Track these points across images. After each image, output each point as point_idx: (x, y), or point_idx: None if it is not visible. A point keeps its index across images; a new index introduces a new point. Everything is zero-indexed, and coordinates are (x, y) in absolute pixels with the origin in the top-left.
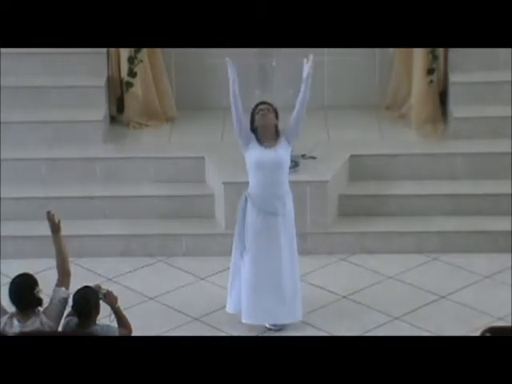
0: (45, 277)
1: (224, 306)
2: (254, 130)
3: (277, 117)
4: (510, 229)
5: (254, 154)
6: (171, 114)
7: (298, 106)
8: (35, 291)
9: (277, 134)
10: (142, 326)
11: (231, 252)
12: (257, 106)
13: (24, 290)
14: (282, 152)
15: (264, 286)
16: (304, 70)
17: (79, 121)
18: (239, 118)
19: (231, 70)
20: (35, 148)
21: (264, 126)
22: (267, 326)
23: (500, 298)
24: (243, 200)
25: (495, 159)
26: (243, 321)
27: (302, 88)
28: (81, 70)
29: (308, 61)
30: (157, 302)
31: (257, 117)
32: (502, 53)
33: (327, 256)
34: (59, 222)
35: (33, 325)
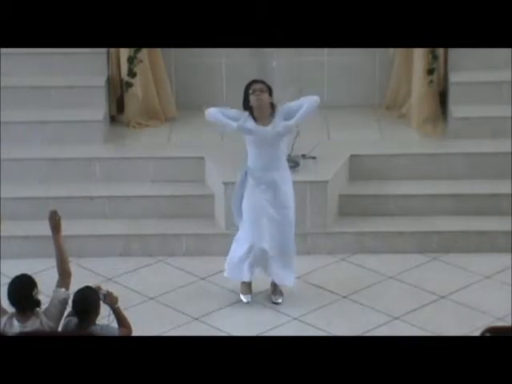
0: (45, 277)
1: (224, 306)
2: (248, 108)
3: (271, 93)
4: (510, 229)
5: (251, 131)
6: (171, 114)
7: (299, 112)
8: (33, 293)
9: (272, 111)
10: (142, 326)
11: (236, 227)
12: (250, 84)
13: (22, 292)
14: (278, 128)
15: (255, 247)
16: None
17: (79, 121)
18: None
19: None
20: (35, 148)
21: (259, 107)
22: (243, 299)
23: (500, 298)
24: (243, 174)
25: (495, 159)
26: (226, 275)
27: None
28: (81, 70)
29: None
30: (157, 301)
31: (251, 97)
32: (502, 53)
33: (327, 256)
34: (59, 221)
35: (33, 325)
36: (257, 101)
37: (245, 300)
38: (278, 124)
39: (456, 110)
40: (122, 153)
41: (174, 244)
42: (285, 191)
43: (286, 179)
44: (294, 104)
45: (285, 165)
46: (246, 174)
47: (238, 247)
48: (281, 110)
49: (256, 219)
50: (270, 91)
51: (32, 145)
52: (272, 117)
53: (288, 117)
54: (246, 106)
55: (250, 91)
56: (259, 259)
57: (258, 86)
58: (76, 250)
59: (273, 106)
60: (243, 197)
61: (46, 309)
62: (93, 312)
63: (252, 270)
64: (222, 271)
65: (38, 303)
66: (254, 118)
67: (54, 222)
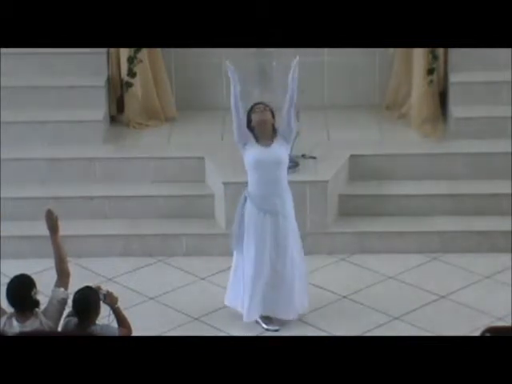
0: (44, 277)
1: (224, 306)
2: (251, 129)
3: (273, 116)
4: (510, 229)
5: (253, 153)
6: (171, 114)
7: (286, 105)
8: (32, 293)
9: (274, 133)
10: (142, 326)
11: (231, 252)
12: (252, 106)
13: (21, 292)
14: (280, 150)
15: (264, 284)
16: (291, 72)
17: (79, 121)
18: (239, 120)
19: (231, 73)
20: (35, 148)
21: (261, 124)
22: (264, 326)
23: (500, 298)
24: (242, 199)
25: (495, 159)
26: (245, 320)
27: (290, 88)
28: (81, 69)
29: (295, 62)
30: (157, 301)
31: (253, 115)
32: (502, 53)
33: (327, 256)
34: (57, 220)
35: (32, 325)
36: (258, 117)
37: (271, 328)
38: (279, 146)
39: (456, 110)
40: (122, 153)
41: (173, 244)
42: (287, 218)
43: (287, 206)
44: (282, 121)
45: (287, 190)
46: (245, 199)
47: (239, 280)
48: (280, 131)
49: (258, 248)
50: (272, 113)
51: (32, 145)
52: (273, 139)
53: (285, 133)
54: (249, 127)
55: (252, 110)
56: (260, 291)
57: (259, 106)
58: (76, 250)
59: (274, 129)
60: (243, 223)
61: (45, 309)
62: (93, 312)
63: (258, 307)
64: (222, 271)
65: (36, 303)
66: (256, 139)
67: (51, 221)
